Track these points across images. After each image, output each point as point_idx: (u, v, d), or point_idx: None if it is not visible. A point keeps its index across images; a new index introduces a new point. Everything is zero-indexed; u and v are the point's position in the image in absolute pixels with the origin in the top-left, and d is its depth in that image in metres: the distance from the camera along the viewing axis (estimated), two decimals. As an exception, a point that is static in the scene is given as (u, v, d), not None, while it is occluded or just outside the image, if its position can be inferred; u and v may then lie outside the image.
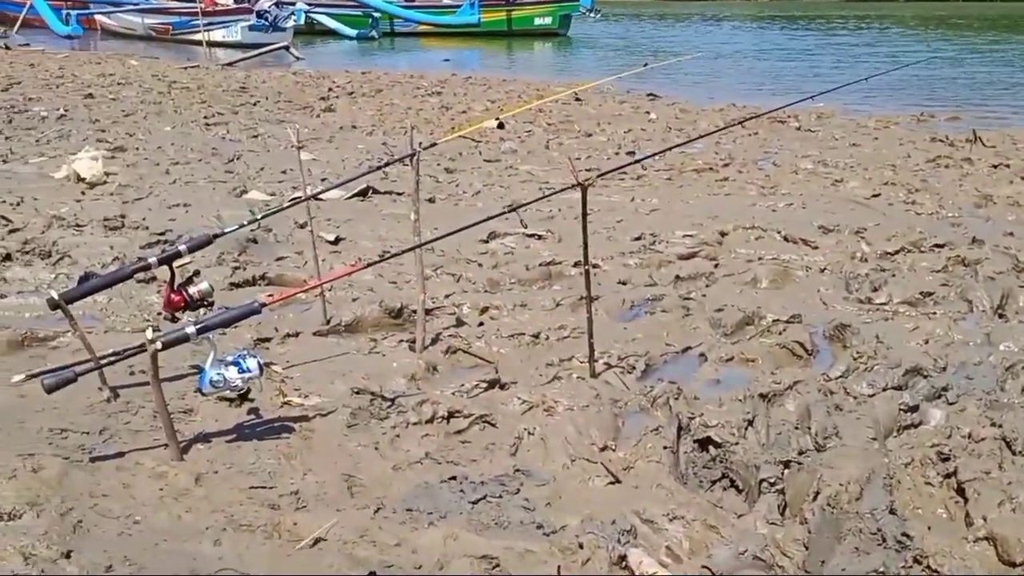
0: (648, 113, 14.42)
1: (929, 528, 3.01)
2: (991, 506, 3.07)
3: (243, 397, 3.73)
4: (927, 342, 4.70)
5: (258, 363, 3.36)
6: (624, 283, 5.90)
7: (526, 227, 6.93)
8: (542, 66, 27.92)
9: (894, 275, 5.80)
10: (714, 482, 3.59)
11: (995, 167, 9.31)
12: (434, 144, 5.20)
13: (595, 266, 6.22)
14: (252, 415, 3.66)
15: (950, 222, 7.18)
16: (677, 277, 5.93)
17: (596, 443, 3.70)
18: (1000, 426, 3.62)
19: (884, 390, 4.09)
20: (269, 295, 3.76)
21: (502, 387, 4.23)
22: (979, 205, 7.75)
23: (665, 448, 3.66)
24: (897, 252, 6.31)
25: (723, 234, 6.95)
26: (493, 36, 36.08)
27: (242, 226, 4.53)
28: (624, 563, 2.87)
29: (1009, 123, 13.04)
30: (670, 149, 8.32)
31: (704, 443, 3.73)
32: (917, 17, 50.00)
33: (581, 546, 2.90)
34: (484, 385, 4.21)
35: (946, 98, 16.45)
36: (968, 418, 3.74)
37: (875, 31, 40.55)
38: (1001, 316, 5.11)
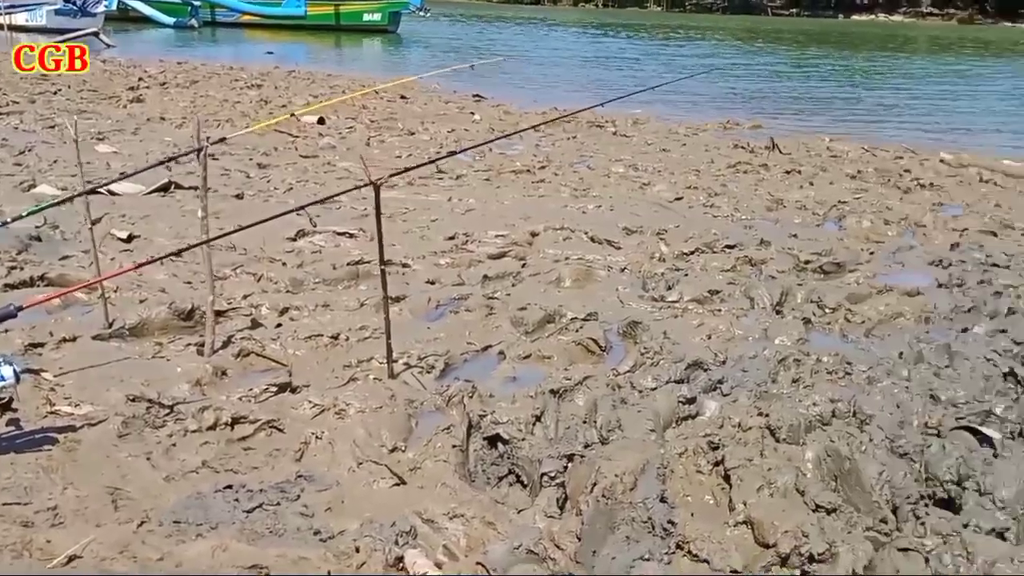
0: (472, 114, 14.57)
1: (693, 515, 3.17)
2: (751, 491, 3.27)
3: (4, 407, 3.48)
4: (710, 337, 4.96)
5: (14, 371, 3.13)
6: (433, 283, 5.91)
7: (315, 226, 6.87)
8: (370, 62, 27.69)
9: (687, 275, 6.09)
10: (501, 478, 3.65)
11: (788, 173, 9.95)
12: (223, 139, 5.04)
13: (405, 265, 6.23)
14: (12, 426, 3.43)
15: (743, 224, 7.61)
16: (485, 277, 5.99)
17: (386, 445, 3.70)
18: (767, 415, 3.85)
19: (667, 383, 4.28)
20: (43, 297, 3.54)
21: (293, 390, 4.15)
22: (770, 208, 8.25)
23: (454, 447, 3.69)
24: (692, 253, 6.62)
25: (534, 234, 7.10)
26: (320, 30, 35.49)
27: (5, 223, 4.23)
28: (400, 564, 2.87)
29: (805, 131, 13.96)
30: (463, 151, 8.43)
31: (493, 440, 3.79)
32: (742, 29, 52.76)
33: (357, 550, 2.89)
34: (274, 389, 4.12)
35: (752, 108, 17.45)
36: (739, 408, 3.95)
37: (698, 43, 42.51)
38: (779, 312, 5.45)
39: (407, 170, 5.05)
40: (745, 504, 3.20)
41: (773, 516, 3.08)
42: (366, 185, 4.11)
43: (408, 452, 3.69)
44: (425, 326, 5.12)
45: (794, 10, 66.69)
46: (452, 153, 6.13)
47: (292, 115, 6.84)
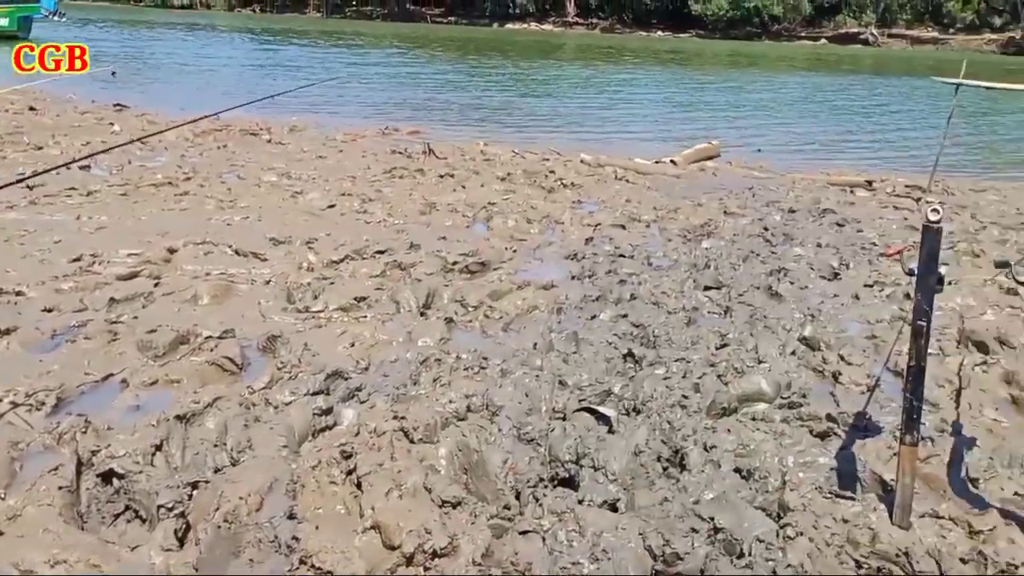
0: (112, 124, 13.62)
1: (317, 528, 3.15)
2: (380, 495, 3.32)
3: None
4: (353, 345, 4.98)
5: None
6: (50, 310, 5.42)
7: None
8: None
9: (334, 283, 6.08)
10: (117, 516, 3.41)
11: (442, 177, 10.30)
12: None
13: (19, 294, 5.67)
14: None
15: (396, 229, 7.76)
16: (112, 300, 5.59)
17: (-18, 496, 3.32)
18: (403, 418, 3.94)
19: (304, 396, 4.24)
20: None
21: None
22: (423, 212, 8.49)
23: (61, 488, 3.40)
24: (342, 260, 6.63)
25: (172, 251, 6.75)
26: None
27: None
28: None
29: (462, 136, 14.56)
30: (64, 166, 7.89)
31: (107, 476, 3.54)
32: (403, 36, 53.74)
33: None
34: None
35: (412, 114, 17.90)
36: (376, 414, 4.01)
37: (361, 50, 42.80)
38: (424, 315, 5.61)
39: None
40: (373, 509, 3.24)
41: (399, 517, 3.15)
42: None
43: (8, 500, 3.35)
44: (37, 359, 4.68)
45: (452, 18, 69.49)
46: (33, 174, 5.61)
47: None
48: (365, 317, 5.49)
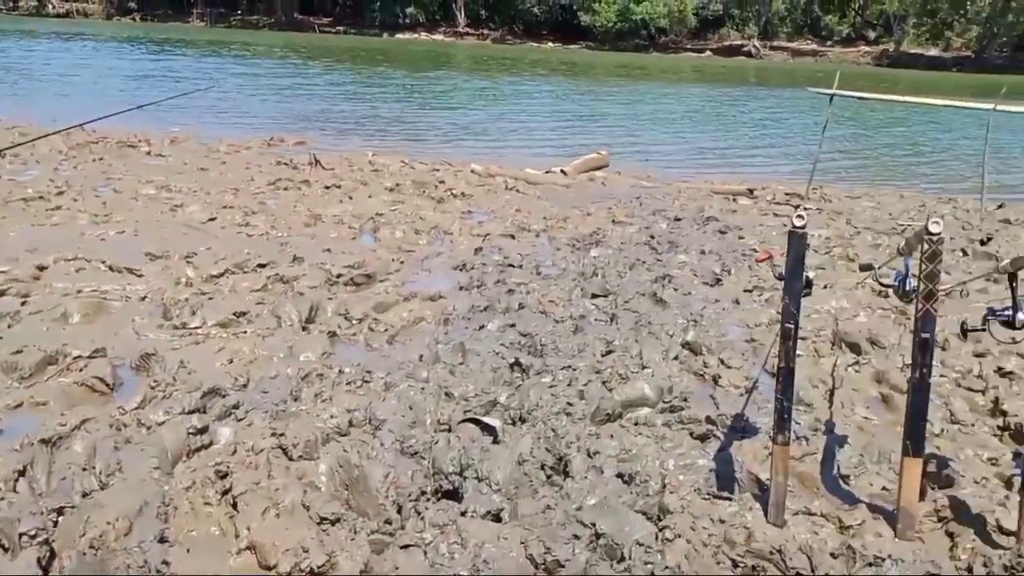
0: (-29, 137, 13.01)
1: (189, 551, 3.07)
2: (256, 515, 3.25)
3: None
4: (231, 361, 4.87)
5: None
6: None
7: None
8: None
9: (212, 298, 5.94)
10: (-26, 549, 3.24)
11: (328, 188, 10.18)
12: None
13: None
14: None
15: (279, 242, 7.62)
16: (-26, 320, 5.33)
17: None
18: (282, 435, 3.87)
19: (178, 415, 4.11)
20: None
21: None
22: (308, 224, 8.37)
23: (-87, 522, 3.21)
24: (222, 275, 6.48)
25: (42, 268, 6.48)
26: None
27: None
28: None
29: (350, 147, 14.42)
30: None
31: (-36, 506, 3.36)
32: (293, 45, 52.85)
33: None
34: None
35: (301, 124, 17.62)
36: (253, 432, 3.93)
37: (251, 60, 41.96)
38: (306, 329, 5.52)
39: None
40: (249, 529, 3.17)
41: (275, 537, 3.09)
42: None
43: None
44: None
45: (340, 28, 68.73)
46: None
47: None
48: (245, 332, 5.37)
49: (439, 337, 5.42)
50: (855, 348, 5.66)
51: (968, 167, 16.05)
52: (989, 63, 57.85)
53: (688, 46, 66.25)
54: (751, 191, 12.08)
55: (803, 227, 3.32)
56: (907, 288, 3.86)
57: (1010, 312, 3.69)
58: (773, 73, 49.62)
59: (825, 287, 7.11)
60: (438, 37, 68.05)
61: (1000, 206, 11.73)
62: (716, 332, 5.81)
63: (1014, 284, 3.78)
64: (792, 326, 3.36)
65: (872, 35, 66.42)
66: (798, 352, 5.58)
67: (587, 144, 15.88)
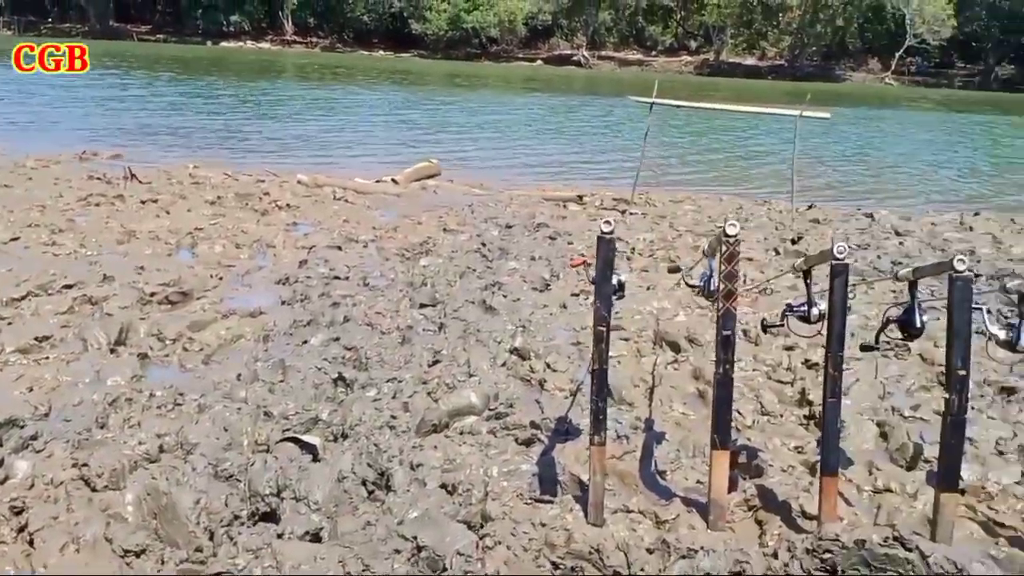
0: None
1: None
2: (54, 551, 3.07)
3: None
4: (31, 390, 4.58)
5: None
6: None
7: None
8: None
9: (12, 323, 5.57)
10: None
11: (144, 203, 9.75)
12: None
13: None
14: None
15: (88, 261, 7.24)
16: None
17: None
18: (85, 465, 3.67)
19: (-32, 452, 3.83)
20: None
21: None
22: (121, 242, 7.98)
23: None
24: (23, 298, 6.08)
25: None
26: None
27: None
28: None
29: (169, 159, 13.87)
30: None
31: None
32: (106, 54, 50.37)
33: None
34: None
35: (116, 137, 16.82)
36: (53, 463, 3.71)
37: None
38: (115, 351, 5.25)
39: None
40: (45, 567, 2.98)
41: (75, 572, 2.91)
42: None
43: None
44: None
45: (161, 35, 65.88)
46: None
47: None
48: (47, 358, 5.06)
49: (258, 355, 5.27)
50: (674, 347, 5.88)
51: (786, 170, 17.01)
52: (801, 71, 61.66)
53: (519, 55, 67.37)
54: (580, 197, 12.39)
55: (611, 233, 3.41)
56: (711, 288, 4.04)
57: (805, 307, 3.93)
58: (602, 82, 51.09)
59: (648, 288, 7.37)
60: (265, 45, 66.35)
61: (810, 207, 12.49)
62: (544, 337, 5.91)
63: (808, 281, 4.03)
64: (604, 329, 3.45)
65: (694, 45, 69.51)
66: (622, 352, 5.80)
67: (424, 153, 15.86)
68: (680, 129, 24.75)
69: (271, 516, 3.55)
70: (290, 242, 8.33)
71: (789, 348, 5.91)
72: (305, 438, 4.08)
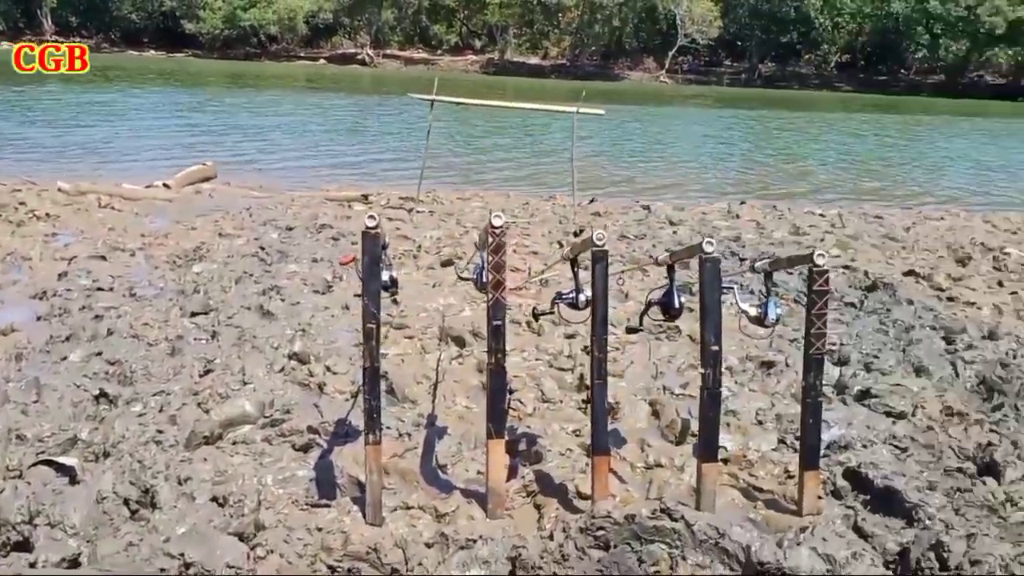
0: None
1: None
2: None
3: None
4: None
5: None
6: None
7: None
8: None
9: None
10: None
11: None
12: None
13: None
14: None
15: None
16: None
17: None
18: None
19: None
20: None
21: None
22: None
23: None
24: None
25: None
26: None
27: None
28: None
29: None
30: None
31: None
32: None
33: None
34: None
35: None
36: None
37: None
38: None
39: None
40: None
41: None
42: None
43: None
44: None
45: None
46: None
47: None
48: None
49: (10, 375, 4.89)
50: (459, 341, 5.94)
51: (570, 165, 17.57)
52: (582, 70, 63.96)
53: (301, 54, 66.10)
54: (366, 197, 12.30)
55: (375, 228, 3.41)
56: (484, 280, 4.11)
57: (573, 295, 4.07)
58: (389, 81, 50.93)
59: (434, 286, 7.43)
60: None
61: (592, 200, 12.99)
62: (325, 340, 5.82)
63: (576, 269, 4.19)
64: (373, 326, 3.44)
65: (479, 44, 70.60)
66: (407, 351, 5.81)
67: (205, 156, 15.23)
68: (471, 128, 25.09)
69: (24, 545, 3.31)
70: (48, 254, 7.78)
71: (570, 336, 6.11)
72: (61, 460, 3.83)
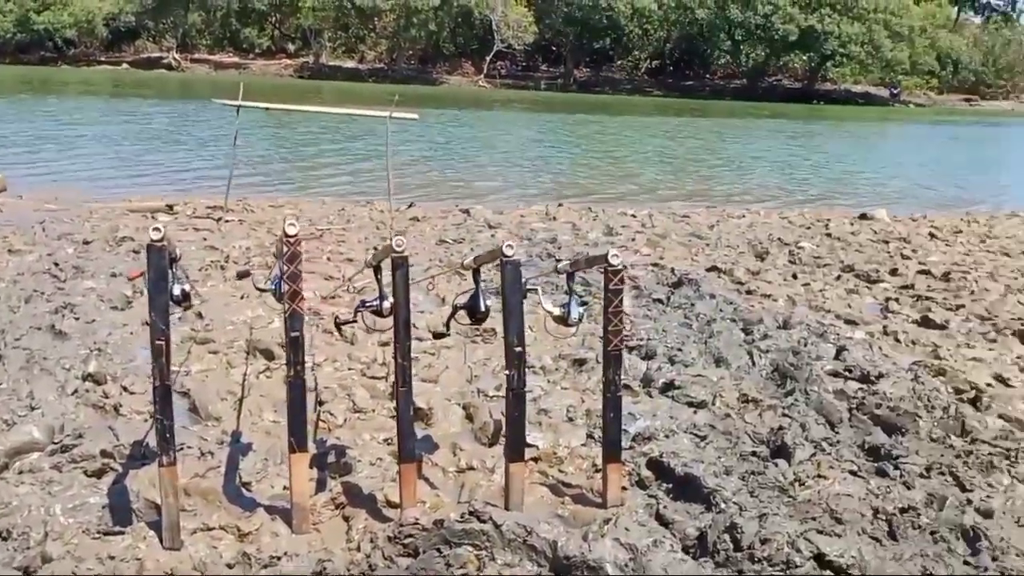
0: None
1: None
2: None
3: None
4: None
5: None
6: None
7: None
8: None
9: None
10: None
11: None
12: None
13: None
14: None
15: None
16: None
17: None
18: None
19: None
20: None
21: None
22: None
23: None
24: None
25: None
26: None
27: None
28: None
29: None
30: None
31: None
32: None
33: None
34: None
35: None
36: None
37: None
38: None
39: None
40: None
41: None
42: None
43: None
44: None
45: None
46: None
47: None
48: None
49: None
50: (267, 354, 5.81)
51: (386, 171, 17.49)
52: (400, 74, 63.72)
53: (103, 58, 62.82)
54: (171, 207, 11.82)
55: (160, 240, 3.29)
56: (283, 290, 4.04)
57: (378, 302, 4.07)
58: (198, 85, 49.14)
59: (242, 298, 7.22)
60: None
61: (410, 205, 12.99)
62: (122, 358, 5.57)
63: (379, 276, 4.18)
64: (163, 342, 3.32)
65: (292, 48, 69.14)
66: (211, 366, 5.63)
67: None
68: (292, 133, 24.58)
69: None
70: None
71: (384, 344, 6.07)
72: None
